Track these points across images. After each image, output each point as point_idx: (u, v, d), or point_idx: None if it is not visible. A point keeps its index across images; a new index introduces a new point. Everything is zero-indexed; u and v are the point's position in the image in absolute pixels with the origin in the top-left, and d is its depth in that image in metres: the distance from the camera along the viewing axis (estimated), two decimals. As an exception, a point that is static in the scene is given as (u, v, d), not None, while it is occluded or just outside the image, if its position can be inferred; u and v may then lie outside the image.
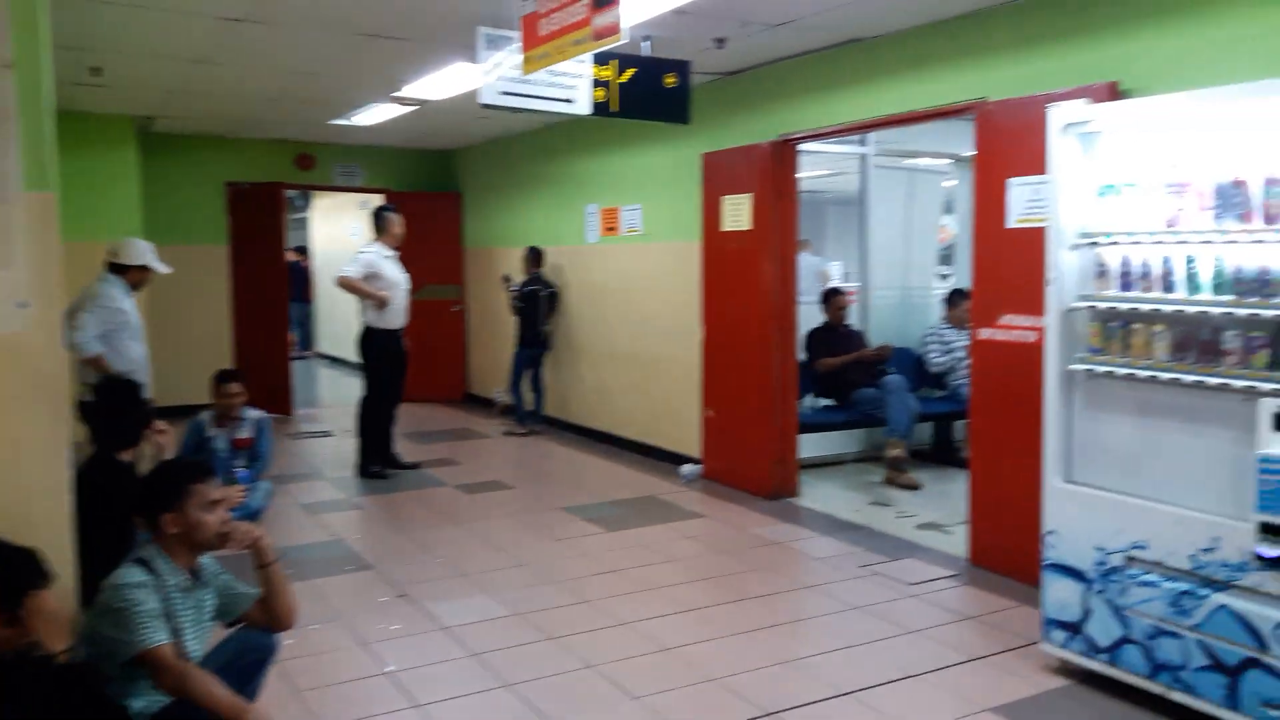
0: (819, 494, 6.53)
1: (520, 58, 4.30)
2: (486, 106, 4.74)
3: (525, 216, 9.55)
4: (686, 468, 7.02)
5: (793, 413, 6.46)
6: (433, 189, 10.97)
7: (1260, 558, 3.00)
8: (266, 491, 5.56)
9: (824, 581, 4.84)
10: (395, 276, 6.91)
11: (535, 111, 4.81)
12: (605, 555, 5.27)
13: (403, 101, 7.52)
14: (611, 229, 8.09)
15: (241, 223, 9.92)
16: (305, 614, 3.57)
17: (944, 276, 8.57)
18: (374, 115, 8.26)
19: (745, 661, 3.88)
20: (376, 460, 7.12)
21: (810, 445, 6.85)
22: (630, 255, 7.87)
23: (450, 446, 8.34)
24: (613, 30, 3.54)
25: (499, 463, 7.81)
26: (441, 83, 6.78)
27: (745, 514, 6.08)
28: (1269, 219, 3.04)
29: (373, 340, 6.96)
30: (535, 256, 8.83)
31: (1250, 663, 3.10)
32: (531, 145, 9.29)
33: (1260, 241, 3.04)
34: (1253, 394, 3.08)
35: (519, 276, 8.95)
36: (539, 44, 4.00)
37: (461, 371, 10.91)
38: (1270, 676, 3.04)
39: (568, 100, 4.79)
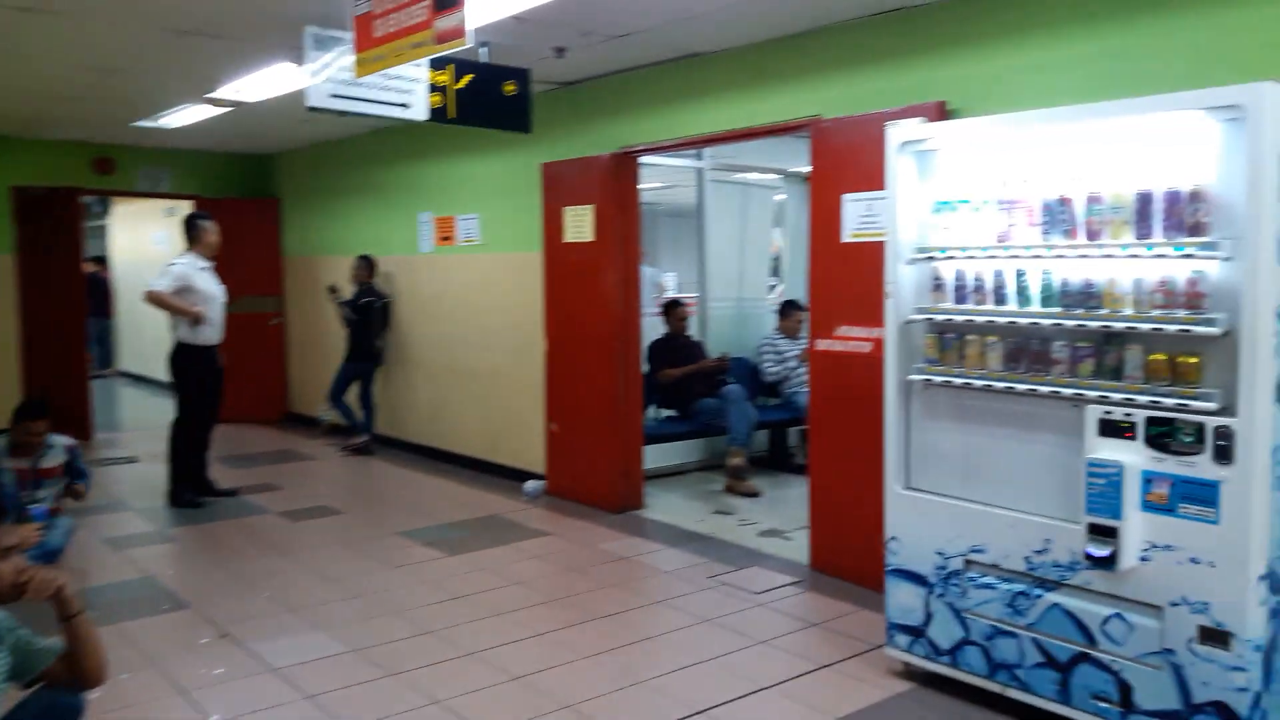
0: (664, 505, 6.52)
1: (352, 59, 4.06)
2: (314, 110, 4.46)
3: (352, 224, 9.13)
4: (530, 484, 6.86)
5: (637, 425, 6.43)
6: (249, 195, 10.33)
7: (1089, 557, 3.16)
8: (67, 529, 5.04)
9: (673, 595, 4.80)
10: (210, 289, 6.50)
11: (367, 116, 4.57)
12: (447, 581, 5.04)
13: (217, 103, 7.02)
14: (447, 238, 7.84)
15: (31, 231, 8.99)
16: (115, 661, 3.22)
17: (771, 288, 8.80)
18: (185, 117, 7.68)
19: (598, 685, 3.79)
20: (190, 488, 6.62)
21: (653, 456, 6.85)
22: (467, 266, 7.65)
23: (272, 470, 7.83)
24: (457, 34, 3.38)
25: (326, 486, 7.40)
26: (262, 84, 6.36)
27: (592, 529, 5.99)
28: (1091, 235, 3.22)
29: (185, 358, 6.51)
30: (368, 266, 8.44)
31: (1080, 657, 3.26)
32: (360, 150, 8.90)
33: (1085, 256, 3.21)
34: (1080, 401, 3.25)
35: (348, 286, 8.53)
36: (374, 46, 3.78)
37: (282, 389, 10.31)
38: (1099, 670, 3.21)
39: (403, 105, 4.57)
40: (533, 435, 7.01)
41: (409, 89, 4.61)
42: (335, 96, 4.40)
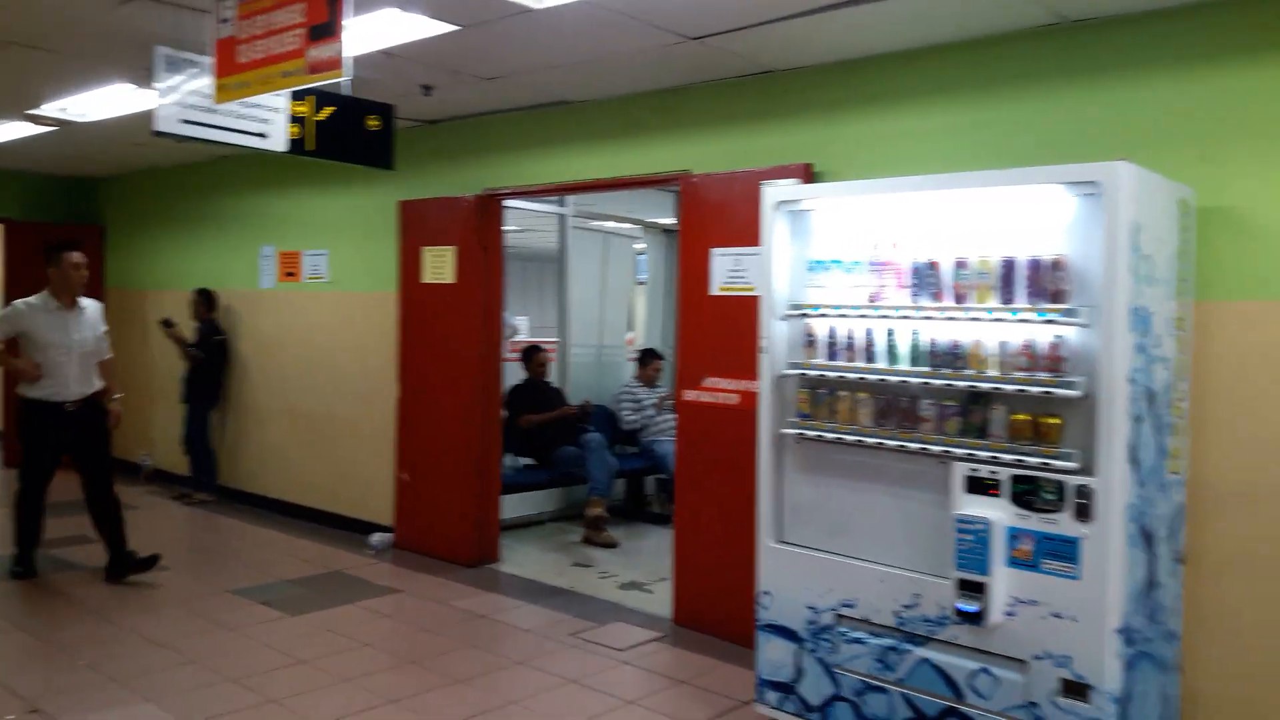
0: (520, 557, 6.33)
1: (207, 83, 3.78)
2: (161, 134, 4.13)
3: (186, 256, 8.55)
4: (376, 536, 6.52)
5: (496, 474, 6.24)
6: (69, 220, 9.54)
7: (959, 612, 3.23)
8: None
9: (535, 655, 4.62)
10: (55, 337, 5.47)
11: (221, 144, 4.27)
12: (289, 644, 4.67)
13: (39, 120, 6.44)
14: (292, 274, 7.44)
15: None
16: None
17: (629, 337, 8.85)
18: (1, 133, 7.01)
19: (462, 756, 3.57)
20: (26, 557, 5.72)
21: (509, 506, 6.65)
22: (314, 304, 7.28)
23: (87, 521, 7.12)
24: (332, 65, 3.19)
25: (150, 539, 6.74)
26: (94, 103, 5.89)
27: (445, 585, 5.72)
28: (958, 298, 3.34)
29: (28, 416, 5.57)
30: (208, 300, 7.90)
31: (948, 712, 3.32)
32: (197, 178, 8.37)
33: (952, 318, 3.33)
34: (948, 458, 3.34)
35: (187, 321, 7.94)
36: (237, 72, 3.53)
37: (100, 431, 9.48)
38: (965, 723, 3.27)
39: (260, 135, 4.30)
40: (381, 485, 6.68)
41: (267, 118, 4.35)
42: (186, 122, 4.10)
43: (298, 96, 4.55)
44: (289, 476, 7.51)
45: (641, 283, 9.02)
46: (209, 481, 7.92)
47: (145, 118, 4.97)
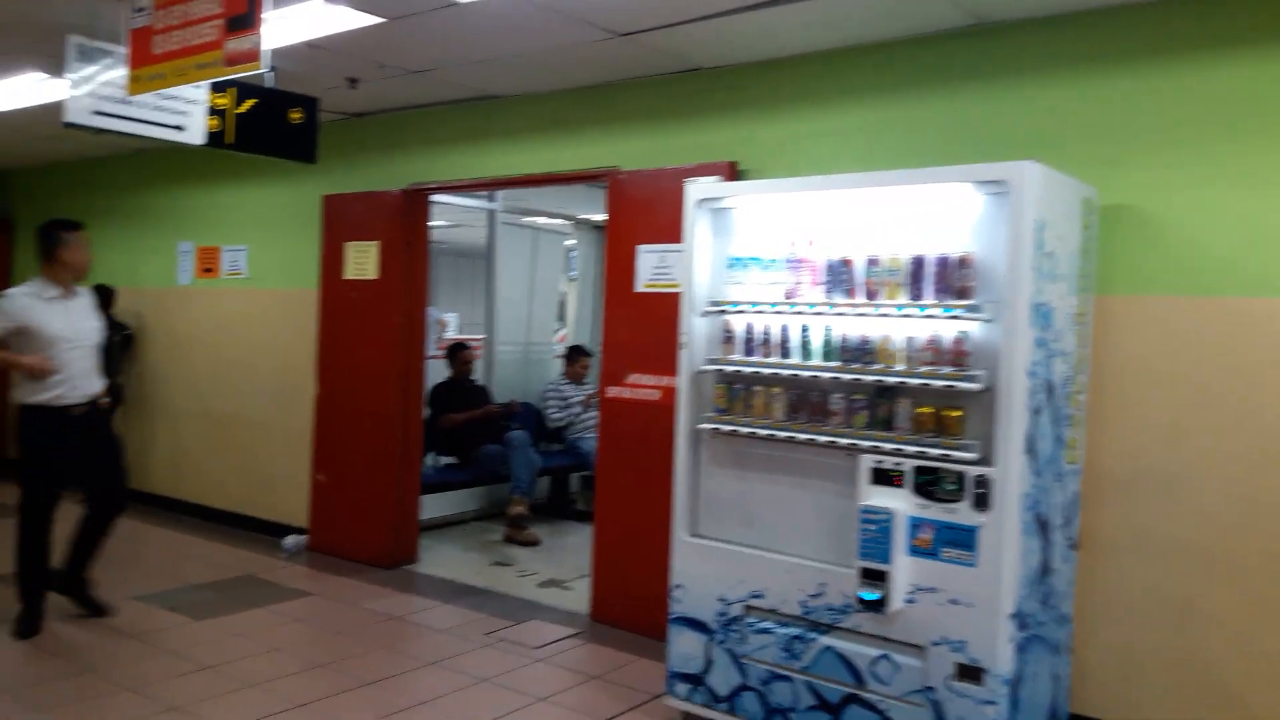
0: (439, 558, 6.27)
1: (121, 74, 3.71)
2: (72, 126, 4.03)
3: (100, 252, 8.20)
4: (289, 539, 6.39)
5: (416, 474, 6.17)
6: (-26, 212, 9.21)
7: (861, 600, 3.30)
8: None
9: (449, 655, 4.58)
10: (60, 327, 4.67)
11: (135, 137, 4.18)
12: (195, 650, 4.52)
13: (-58, 105, 6.21)
14: (210, 270, 7.28)
15: None
16: None
17: (555, 332, 8.84)
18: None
19: (370, 751, 3.52)
20: (37, 614, 4.76)
21: (429, 506, 6.59)
22: (232, 301, 7.13)
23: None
24: (250, 57, 3.15)
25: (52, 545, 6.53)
26: (5, 93, 5.71)
27: (360, 587, 5.63)
28: (870, 295, 3.43)
29: (31, 425, 4.68)
30: (104, 296, 7.66)
31: (850, 699, 3.38)
32: (112, 171, 8.14)
33: (863, 315, 3.42)
34: (855, 451, 3.42)
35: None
36: (152, 63, 3.46)
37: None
38: (867, 710, 3.34)
39: (177, 128, 4.22)
40: (295, 486, 6.56)
41: (185, 110, 4.27)
42: (99, 114, 4.00)
43: (218, 89, 4.49)
44: (202, 478, 7.32)
45: (573, 279, 9.03)
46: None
47: (56, 109, 4.86)
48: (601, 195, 8.00)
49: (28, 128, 6.77)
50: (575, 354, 7.68)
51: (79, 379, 4.69)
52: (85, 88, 4.08)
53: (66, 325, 4.69)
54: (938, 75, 4.08)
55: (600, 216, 8.11)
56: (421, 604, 5.36)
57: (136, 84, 3.69)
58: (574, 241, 8.55)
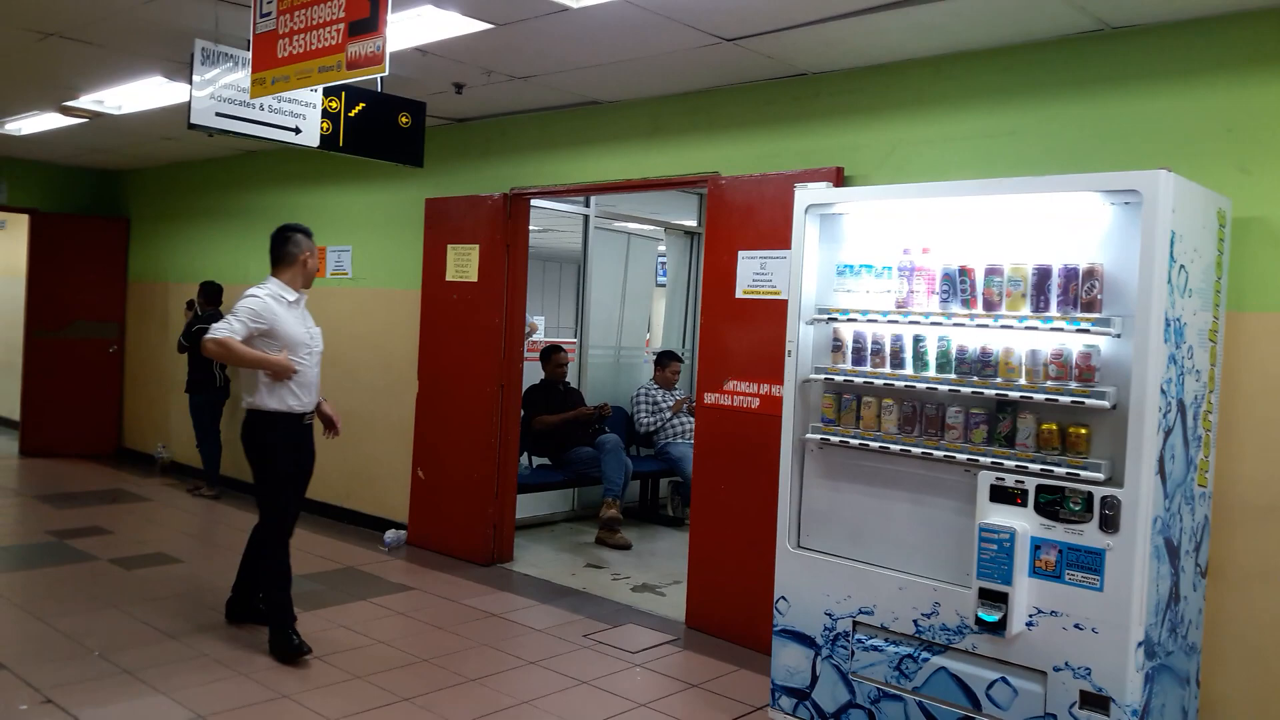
0: (533, 558, 6.32)
1: (242, 76, 3.81)
2: (196, 127, 4.17)
3: (209, 250, 8.61)
4: (390, 534, 6.52)
5: (513, 474, 6.24)
6: (93, 212, 9.62)
7: (980, 621, 3.21)
8: None
9: (548, 656, 4.61)
10: (300, 333, 4.48)
11: (255, 138, 4.31)
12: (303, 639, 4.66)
13: (72, 112, 6.49)
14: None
15: None
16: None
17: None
18: (35, 124, 7.07)
19: (476, 752, 3.56)
20: (290, 624, 4.54)
21: (523, 506, 6.65)
22: (336, 299, 7.30)
23: (102, 511, 7.18)
24: (374, 61, 3.20)
25: (164, 531, 6.81)
26: (128, 95, 5.94)
27: (458, 583, 5.72)
28: (989, 305, 3.33)
29: (269, 432, 4.47)
30: (212, 292, 7.93)
31: (965, 721, 3.29)
32: (222, 172, 8.43)
33: (983, 326, 3.31)
34: (974, 466, 3.33)
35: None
36: (276, 66, 3.55)
37: (115, 422, 9.54)
38: (983, 733, 3.25)
39: (294, 130, 4.34)
40: (396, 482, 6.69)
41: (301, 113, 4.38)
42: (222, 115, 4.14)
43: (329, 93, 4.58)
44: (305, 471, 7.52)
45: (661, 285, 9.02)
46: (212, 474, 7.93)
47: (176, 111, 5.03)
48: (692, 202, 8.03)
49: (146, 130, 7.04)
50: (666, 359, 7.66)
51: (312, 388, 4.56)
52: (208, 90, 4.22)
53: (304, 331, 4.53)
54: (1060, 81, 3.93)
55: (690, 222, 8.10)
56: (519, 602, 5.42)
57: (259, 87, 3.78)
58: (664, 248, 8.54)
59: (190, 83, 4.20)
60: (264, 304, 4.37)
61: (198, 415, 7.86)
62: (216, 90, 4.20)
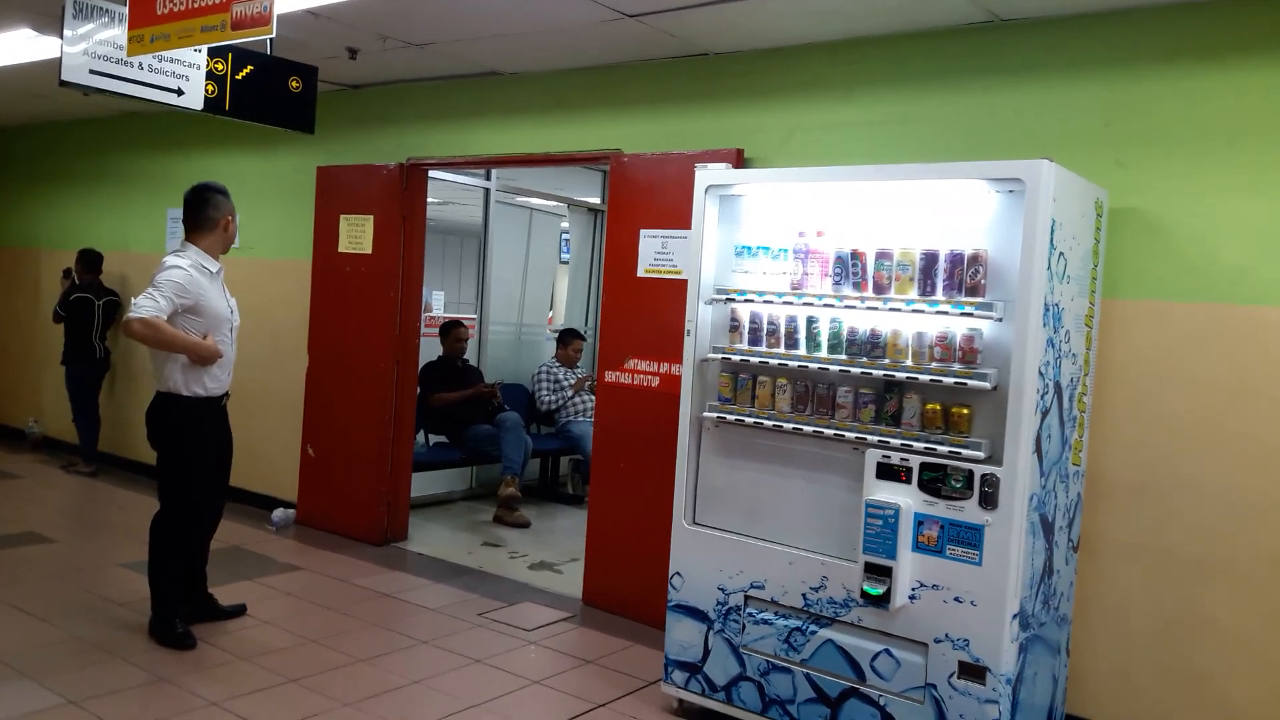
0: (428, 536, 6.24)
1: (120, 34, 3.61)
2: (68, 85, 3.92)
3: (85, 216, 8.17)
4: (278, 512, 6.33)
5: (408, 451, 6.12)
6: (-46, 171, 9.03)
7: (865, 595, 3.30)
8: None
9: (441, 635, 4.56)
10: (222, 308, 4.17)
11: (133, 98, 4.08)
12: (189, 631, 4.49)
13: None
14: (200, 240, 7.15)
15: None
16: None
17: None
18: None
19: (365, 734, 3.50)
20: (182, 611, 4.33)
21: (419, 484, 6.55)
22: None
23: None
24: (261, 21, 3.06)
25: (34, 509, 6.48)
26: (-8, 48, 5.57)
27: (349, 563, 5.60)
28: (878, 289, 3.40)
29: (180, 417, 4.15)
30: (90, 261, 7.54)
31: (850, 693, 3.39)
32: (100, 134, 7.99)
33: (873, 309, 3.39)
34: (862, 445, 3.41)
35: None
36: (155, 24, 3.37)
37: (-19, 396, 9.01)
38: (866, 705, 3.34)
39: (176, 91, 4.13)
40: (284, 459, 6.49)
41: (184, 74, 4.17)
42: (96, 74, 3.90)
43: (215, 54, 4.38)
44: (189, 447, 7.23)
45: (565, 262, 8.96)
46: (89, 450, 7.57)
47: (47, 67, 4.72)
48: (597, 179, 7.99)
49: (15, 86, 6.62)
50: (568, 337, 7.62)
51: (228, 366, 4.23)
52: (81, 45, 3.97)
53: (225, 305, 4.19)
54: (951, 71, 4.04)
55: (594, 200, 8.06)
56: (412, 582, 5.34)
57: (137, 44, 3.58)
58: (568, 224, 8.48)
59: (61, 37, 3.95)
60: (188, 276, 3.97)
61: (75, 388, 7.46)
62: (91, 46, 3.96)
